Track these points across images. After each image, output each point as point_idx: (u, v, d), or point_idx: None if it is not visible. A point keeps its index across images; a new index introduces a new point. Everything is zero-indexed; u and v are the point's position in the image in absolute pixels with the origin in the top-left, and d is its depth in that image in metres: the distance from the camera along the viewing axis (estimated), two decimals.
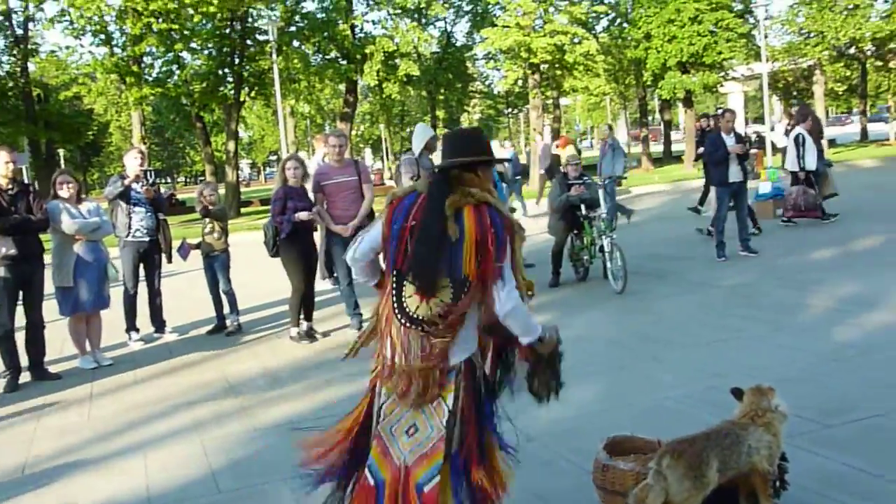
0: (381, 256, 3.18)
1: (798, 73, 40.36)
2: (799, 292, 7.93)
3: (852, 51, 36.00)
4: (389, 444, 3.02)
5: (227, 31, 28.85)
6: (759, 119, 42.35)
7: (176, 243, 8.55)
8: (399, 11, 32.04)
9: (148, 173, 8.23)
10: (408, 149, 9.95)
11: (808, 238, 11.32)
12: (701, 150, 13.81)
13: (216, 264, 8.45)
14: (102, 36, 27.54)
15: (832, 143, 34.61)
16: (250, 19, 29.30)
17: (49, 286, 7.20)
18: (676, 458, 3.12)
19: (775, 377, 4.79)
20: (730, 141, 10.04)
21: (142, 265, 8.23)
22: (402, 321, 2.95)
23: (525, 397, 3.25)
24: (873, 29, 33.20)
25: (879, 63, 37.94)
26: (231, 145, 30.45)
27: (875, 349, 5.77)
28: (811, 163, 12.34)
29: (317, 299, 8.27)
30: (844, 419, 4.46)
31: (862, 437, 4.22)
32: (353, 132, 46.14)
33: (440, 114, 40.16)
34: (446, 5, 35.14)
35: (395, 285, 3.01)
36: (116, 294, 8.07)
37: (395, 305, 2.98)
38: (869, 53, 36.63)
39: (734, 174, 10.06)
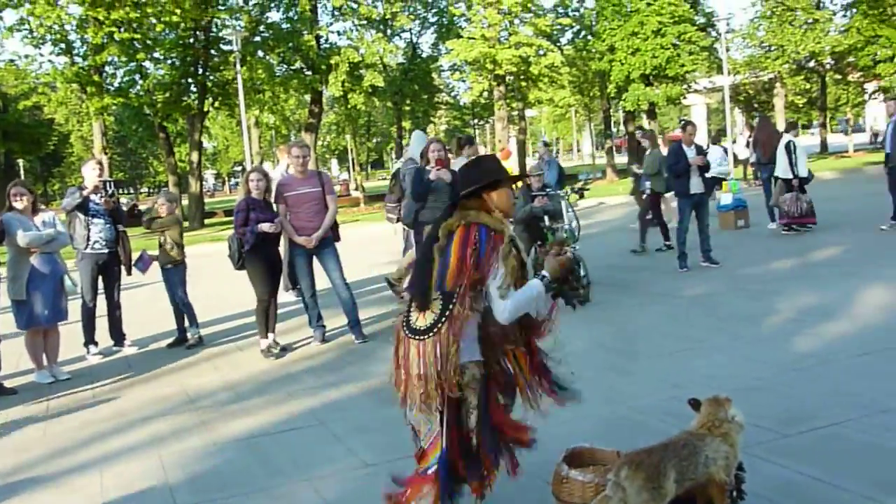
0: None
1: (759, 85, 41.07)
2: (759, 302, 8.02)
3: (812, 64, 36.71)
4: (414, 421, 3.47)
5: (191, 40, 28.70)
6: (722, 131, 43.03)
7: (136, 255, 8.44)
8: (364, 22, 32.09)
9: (107, 184, 8.11)
10: (375, 159, 10.02)
11: (769, 249, 11.48)
12: (634, 167, 13.74)
13: (172, 276, 8.34)
14: (63, 45, 27.23)
15: None
16: (214, 29, 29.17)
17: (5, 299, 7.07)
18: (635, 470, 3.13)
19: (735, 387, 4.84)
20: (690, 153, 10.14)
21: (101, 277, 8.11)
22: (407, 333, 3.37)
23: None
24: (832, 43, 33.89)
25: (838, 76, 38.73)
26: (195, 156, 30.23)
27: (833, 358, 5.84)
28: (803, 170, 12.53)
29: (280, 311, 8.21)
30: (802, 428, 4.51)
31: (819, 446, 4.26)
32: (319, 143, 45.97)
33: (406, 125, 40.15)
34: (412, 17, 35.27)
35: (408, 305, 3.46)
36: (74, 307, 7.94)
37: (405, 320, 3.41)
38: (828, 67, 37.38)
39: (695, 186, 10.17)
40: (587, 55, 36.57)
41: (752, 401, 4.71)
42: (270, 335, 7.73)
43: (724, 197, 14.64)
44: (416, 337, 3.31)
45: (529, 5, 32.04)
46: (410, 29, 36.53)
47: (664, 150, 12.11)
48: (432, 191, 8.22)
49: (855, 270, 9.08)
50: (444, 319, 3.26)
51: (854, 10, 33.97)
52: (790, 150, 12.42)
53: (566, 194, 9.86)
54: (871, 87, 38.02)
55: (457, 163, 10.42)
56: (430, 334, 3.26)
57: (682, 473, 3.21)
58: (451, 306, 3.25)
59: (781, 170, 12.68)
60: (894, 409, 4.66)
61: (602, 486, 3.26)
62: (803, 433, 4.45)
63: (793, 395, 5.12)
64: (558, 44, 35.47)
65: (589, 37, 36.34)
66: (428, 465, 3.37)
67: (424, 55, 37.55)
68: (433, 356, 3.24)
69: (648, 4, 31.62)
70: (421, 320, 3.32)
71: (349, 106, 33.40)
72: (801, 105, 42.39)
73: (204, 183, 40.08)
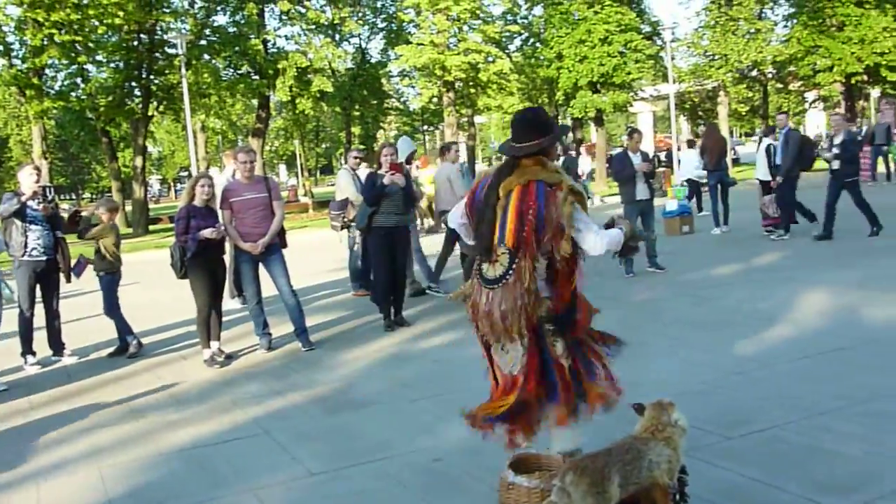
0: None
1: (703, 93, 41.76)
2: (703, 307, 8.15)
3: (754, 73, 37.47)
4: (499, 359, 3.78)
5: (135, 43, 28.18)
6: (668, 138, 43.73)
7: (75, 261, 8.22)
8: (312, 27, 31.87)
9: (47, 190, 7.90)
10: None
11: (713, 254, 11.68)
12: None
13: (106, 284, 8.15)
14: (0, 47, 26.50)
15: (736, 161, 35.89)
16: (159, 31, 28.69)
17: None
18: (579, 475, 3.13)
19: (679, 391, 4.90)
20: (636, 160, 10.27)
21: (39, 286, 7.89)
22: (480, 282, 3.71)
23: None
24: (773, 52, 34.66)
25: (780, 85, 39.62)
26: (139, 161, 29.70)
27: (775, 362, 5.95)
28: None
29: (225, 319, 8.08)
30: (744, 431, 4.57)
31: (760, 448, 4.33)
32: (267, 148, 45.53)
33: (356, 130, 39.96)
34: (360, 22, 35.14)
35: (479, 257, 3.80)
36: (10, 316, 7.72)
37: (477, 269, 3.76)
38: (770, 76, 38.22)
39: (641, 192, 10.29)
40: (535, 62, 36.84)
41: (696, 404, 4.77)
42: (215, 343, 7.60)
43: (670, 203, 14.85)
44: (488, 286, 3.66)
45: (478, 12, 32.20)
46: (359, 34, 36.40)
47: (586, 159, 12.12)
48: (386, 195, 8.21)
49: (794, 275, 9.28)
50: (511, 272, 3.58)
51: (794, 21, 34.84)
52: (770, 152, 12.72)
53: None
54: (811, 95, 39.01)
55: (441, 168, 10.51)
56: (499, 285, 3.60)
57: (627, 478, 3.22)
58: (516, 261, 3.57)
59: (761, 172, 12.98)
60: (832, 412, 4.76)
61: (547, 491, 3.27)
62: (745, 436, 4.51)
63: (735, 399, 5.20)
64: (507, 51, 35.66)
65: (537, 44, 36.61)
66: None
67: (373, 60, 37.44)
68: (503, 303, 3.58)
69: (595, 13, 31.99)
70: (491, 271, 3.66)
71: (297, 111, 33.14)
72: (743, 113, 43.27)
73: (149, 189, 39.42)
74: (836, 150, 11.62)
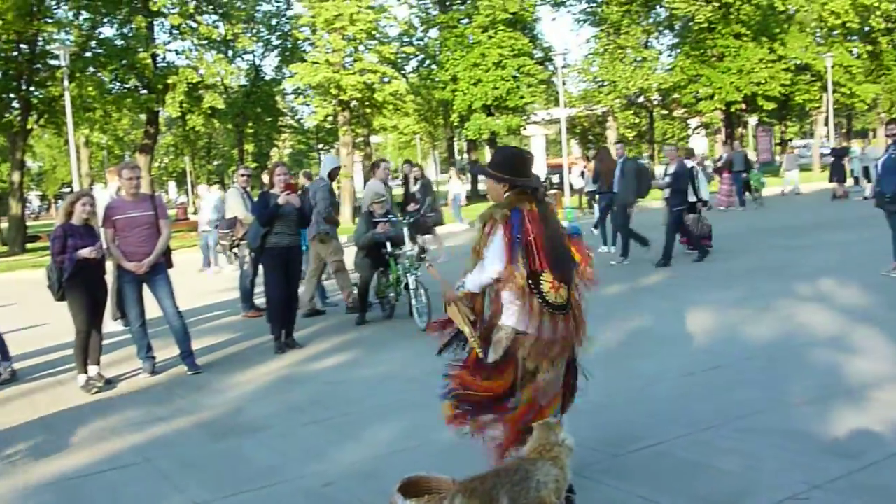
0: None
1: (593, 118, 43.11)
2: (591, 326, 8.28)
3: (641, 100, 38.91)
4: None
5: (14, 54, 26.94)
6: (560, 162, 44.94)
7: None
8: (204, 42, 31.21)
9: None
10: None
11: (602, 275, 11.89)
12: (413, 206, 12.85)
13: None
14: None
15: None
16: (41, 42, 27.51)
17: None
18: (468, 497, 3.12)
19: (568, 410, 4.95)
20: None
21: None
22: (549, 309, 3.72)
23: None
24: (658, 80, 36.09)
25: (665, 112, 41.29)
26: (16, 176, 28.33)
27: (660, 380, 6.11)
28: (705, 193, 13.55)
29: (106, 342, 7.73)
30: (631, 448, 4.66)
31: (646, 464, 4.42)
32: (156, 164, 44.22)
33: (249, 147, 39.28)
34: (254, 39, 34.66)
35: (532, 284, 3.72)
36: None
37: (540, 299, 3.71)
38: (655, 103, 39.77)
39: None
40: (431, 84, 37.17)
41: (584, 423, 4.82)
42: (94, 368, 7.25)
43: None
44: (560, 311, 3.75)
45: (374, 33, 32.22)
46: (253, 51, 35.90)
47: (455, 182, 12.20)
48: (279, 216, 8.06)
49: (678, 295, 9.60)
50: (570, 301, 3.82)
51: (678, 51, 36.42)
52: (693, 174, 13.17)
53: (407, 220, 9.89)
54: (694, 122, 40.77)
55: (370, 184, 10.47)
56: (568, 310, 3.80)
57: (515, 499, 3.22)
58: (570, 289, 3.83)
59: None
60: (713, 427, 4.91)
61: None
62: (632, 453, 4.60)
63: (623, 417, 5.30)
64: (403, 72, 35.83)
65: (433, 66, 36.97)
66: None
67: (268, 78, 36.96)
68: (572, 325, 3.84)
69: (490, 37, 32.58)
70: (559, 298, 3.75)
71: (188, 127, 32.30)
72: (630, 138, 44.83)
73: (27, 205, 37.63)
74: (668, 179, 12.46)
